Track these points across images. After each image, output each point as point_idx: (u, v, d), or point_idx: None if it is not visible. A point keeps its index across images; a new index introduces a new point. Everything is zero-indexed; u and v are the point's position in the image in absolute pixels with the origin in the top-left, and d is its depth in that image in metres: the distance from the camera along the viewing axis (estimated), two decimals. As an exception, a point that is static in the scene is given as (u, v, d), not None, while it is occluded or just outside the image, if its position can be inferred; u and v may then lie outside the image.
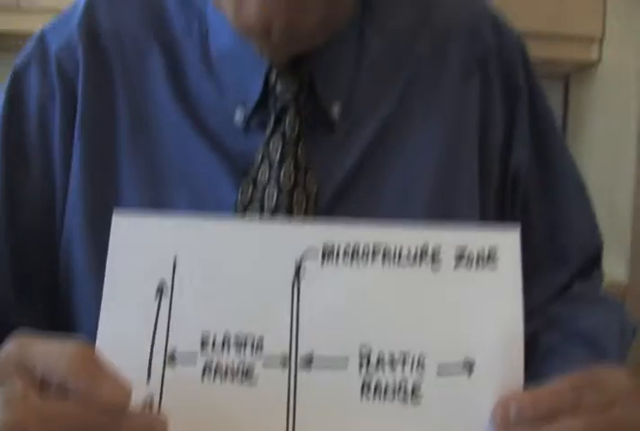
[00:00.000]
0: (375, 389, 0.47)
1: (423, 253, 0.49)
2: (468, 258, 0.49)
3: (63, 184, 0.62)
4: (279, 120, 0.60)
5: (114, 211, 0.49)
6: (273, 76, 0.60)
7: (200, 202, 0.60)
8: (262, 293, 0.48)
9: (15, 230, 0.63)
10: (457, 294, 0.49)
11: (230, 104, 0.62)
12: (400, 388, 0.47)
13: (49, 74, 0.63)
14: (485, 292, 0.49)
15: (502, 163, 0.67)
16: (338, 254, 0.48)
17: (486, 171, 0.66)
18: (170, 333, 0.47)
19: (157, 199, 0.60)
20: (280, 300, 0.48)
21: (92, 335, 0.47)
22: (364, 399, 0.47)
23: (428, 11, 0.68)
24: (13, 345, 0.43)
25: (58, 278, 0.62)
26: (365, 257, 0.48)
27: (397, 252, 0.48)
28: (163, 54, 0.64)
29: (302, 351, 0.47)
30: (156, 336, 0.47)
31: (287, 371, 0.47)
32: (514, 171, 0.68)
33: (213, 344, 0.47)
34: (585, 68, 2.10)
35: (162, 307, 0.47)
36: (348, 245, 0.48)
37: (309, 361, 0.47)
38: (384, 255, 0.48)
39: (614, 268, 1.80)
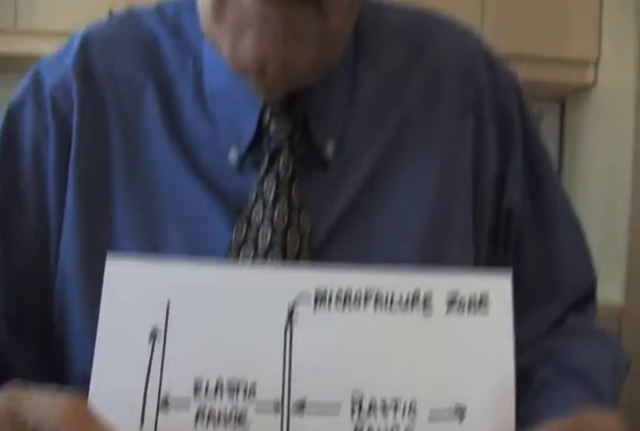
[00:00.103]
0: None
1: (415, 298, 0.49)
2: (460, 303, 0.49)
3: (57, 225, 0.62)
4: (272, 160, 0.60)
5: (107, 255, 0.49)
6: (267, 116, 0.60)
7: (195, 241, 0.60)
8: (254, 338, 0.48)
9: (10, 271, 0.62)
10: (449, 340, 0.49)
11: (224, 143, 0.62)
12: None
13: (44, 112, 0.63)
14: (477, 337, 0.49)
15: (495, 206, 0.67)
16: (330, 299, 0.48)
17: (480, 213, 0.66)
18: (163, 378, 0.47)
19: (152, 238, 0.60)
20: (272, 345, 0.48)
21: (86, 375, 0.47)
22: None
23: (420, 49, 0.67)
24: (3, 398, 0.43)
25: (53, 319, 0.62)
26: (357, 302, 0.48)
27: (389, 298, 0.49)
28: (157, 92, 0.64)
29: (294, 396, 0.47)
30: (150, 381, 0.47)
31: (279, 416, 0.47)
32: (507, 212, 0.68)
33: (206, 389, 0.47)
34: (581, 90, 2.12)
35: (155, 352, 0.47)
36: (340, 290, 0.48)
37: (302, 406, 0.47)
38: (376, 300, 0.49)
39: (610, 291, 1.81)
